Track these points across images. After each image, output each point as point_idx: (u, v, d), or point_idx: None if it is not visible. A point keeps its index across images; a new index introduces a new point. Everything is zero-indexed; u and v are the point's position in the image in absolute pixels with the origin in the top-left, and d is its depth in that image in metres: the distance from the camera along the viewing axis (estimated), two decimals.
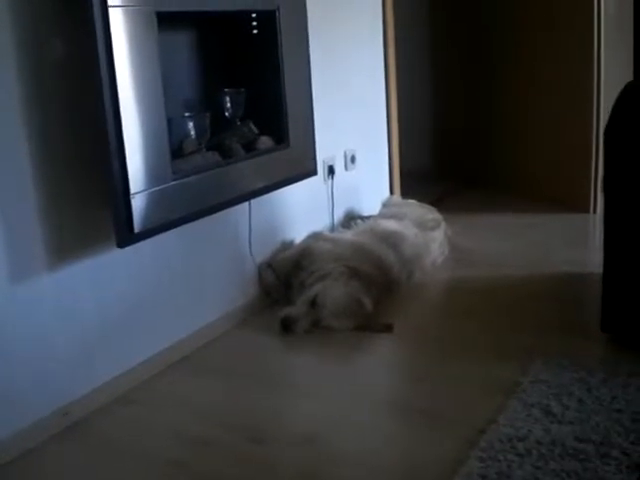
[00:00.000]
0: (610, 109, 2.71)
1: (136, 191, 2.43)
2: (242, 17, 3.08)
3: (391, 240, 3.59)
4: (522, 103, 4.84)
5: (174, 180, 2.60)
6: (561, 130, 4.60)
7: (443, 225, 4.03)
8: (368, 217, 4.01)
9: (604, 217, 2.79)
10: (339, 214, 3.97)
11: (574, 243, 4.11)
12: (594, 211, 4.54)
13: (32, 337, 2.40)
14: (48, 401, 2.46)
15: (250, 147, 3.05)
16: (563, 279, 3.59)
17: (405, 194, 4.45)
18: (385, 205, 4.21)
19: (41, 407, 2.44)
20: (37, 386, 2.42)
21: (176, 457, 2.32)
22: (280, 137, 3.14)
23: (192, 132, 2.83)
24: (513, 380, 2.61)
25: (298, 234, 3.62)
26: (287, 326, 3.08)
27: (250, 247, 3.30)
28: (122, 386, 2.70)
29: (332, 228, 3.88)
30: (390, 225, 3.75)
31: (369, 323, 3.12)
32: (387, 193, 4.39)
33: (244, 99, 3.03)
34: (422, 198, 4.28)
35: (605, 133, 2.73)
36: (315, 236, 3.60)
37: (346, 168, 4.01)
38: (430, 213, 4.06)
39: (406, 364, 2.99)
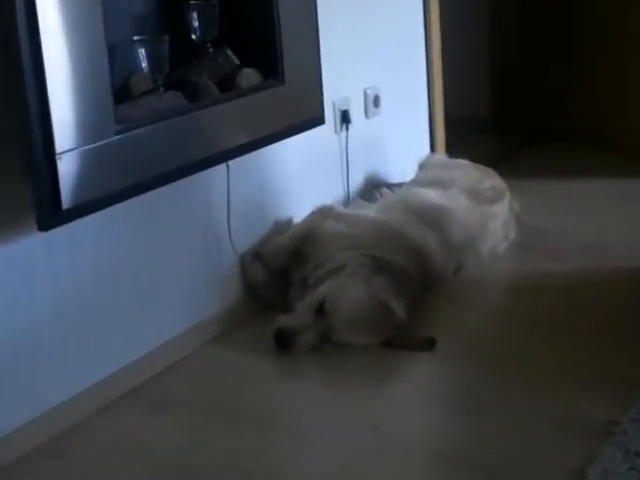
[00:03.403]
0: None
1: (64, 150, 2.41)
2: None
3: (432, 218, 3.59)
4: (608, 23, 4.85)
5: (118, 133, 2.59)
6: None
7: (508, 196, 4.03)
8: (398, 184, 4.03)
9: None
10: (357, 180, 3.99)
11: None
12: None
13: None
14: None
15: (228, 84, 3.05)
16: None
17: (452, 151, 4.43)
18: (423, 167, 4.22)
19: None
20: None
21: None
22: (271, 70, 3.14)
23: (144, 63, 2.85)
24: (607, 419, 2.60)
25: (298, 210, 3.63)
26: (284, 341, 3.09)
27: (229, 229, 3.30)
28: (43, 432, 2.69)
29: (347, 201, 3.89)
30: (430, 196, 3.77)
31: (401, 337, 3.13)
32: (426, 150, 4.40)
33: (218, 15, 3.03)
34: (476, 157, 4.27)
35: None
36: (322, 212, 3.61)
37: (367, 114, 4.02)
38: (489, 179, 4.07)
39: (453, 396, 3.00)
